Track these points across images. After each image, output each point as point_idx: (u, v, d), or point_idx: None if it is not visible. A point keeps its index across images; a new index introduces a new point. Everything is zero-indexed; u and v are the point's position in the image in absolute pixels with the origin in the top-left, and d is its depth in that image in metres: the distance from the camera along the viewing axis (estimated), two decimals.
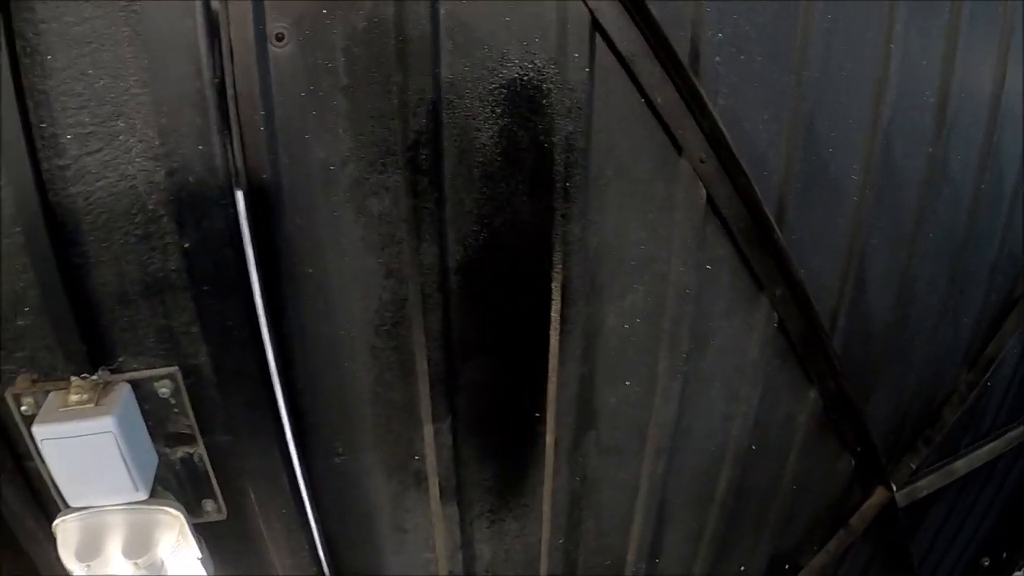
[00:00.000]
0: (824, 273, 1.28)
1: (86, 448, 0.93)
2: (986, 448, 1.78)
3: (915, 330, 1.49)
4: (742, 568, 1.57)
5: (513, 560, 1.33)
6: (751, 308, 1.22)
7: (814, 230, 1.23)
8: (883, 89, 1.22)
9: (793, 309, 1.23)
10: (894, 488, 1.59)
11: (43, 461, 1.03)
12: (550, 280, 1.05)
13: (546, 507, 1.26)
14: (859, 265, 1.31)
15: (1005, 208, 1.53)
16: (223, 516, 1.09)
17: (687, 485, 1.37)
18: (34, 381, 1.02)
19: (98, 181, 0.91)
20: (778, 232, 1.14)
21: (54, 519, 1.10)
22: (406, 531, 1.24)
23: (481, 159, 0.97)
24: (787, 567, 1.62)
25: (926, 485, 1.68)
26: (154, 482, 1.00)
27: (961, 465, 1.74)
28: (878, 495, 1.60)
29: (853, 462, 1.53)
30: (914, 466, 1.63)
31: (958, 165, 1.39)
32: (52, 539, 1.10)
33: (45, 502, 1.12)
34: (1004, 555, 2.28)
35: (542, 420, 1.17)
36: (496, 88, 0.95)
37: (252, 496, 1.08)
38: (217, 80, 0.87)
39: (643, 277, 1.11)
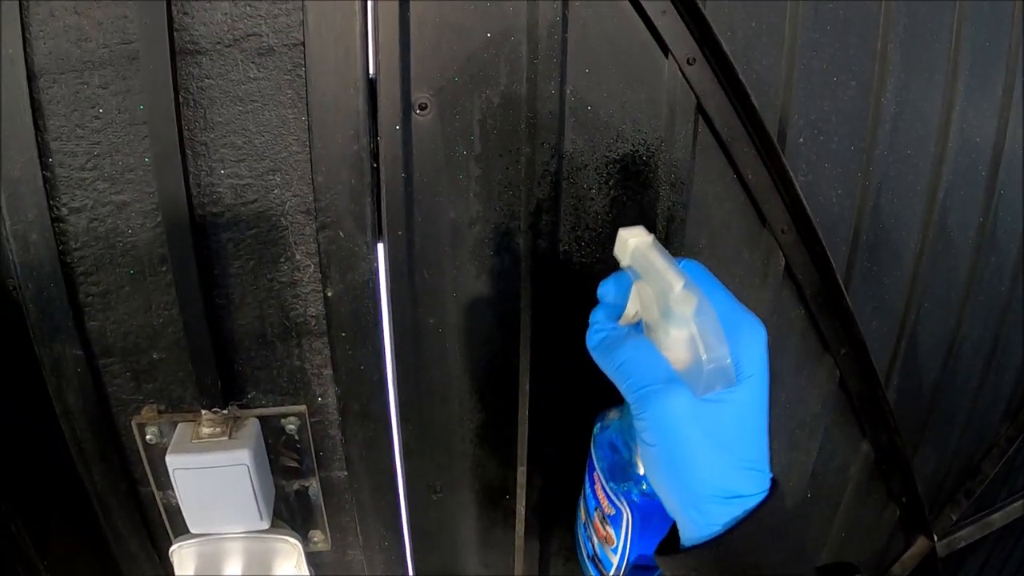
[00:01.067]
0: (882, 334, 1.40)
1: (219, 479, 1.02)
2: (1021, 502, 1.89)
3: (960, 388, 1.61)
4: None
5: None
6: (816, 366, 1.34)
7: (875, 295, 1.35)
8: (941, 165, 1.36)
9: (854, 367, 1.35)
10: (935, 538, 1.69)
11: (160, 488, 1.12)
12: None
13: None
14: (913, 328, 1.43)
15: None
16: (328, 547, 1.17)
17: None
18: (160, 412, 1.11)
19: (250, 230, 1.02)
20: (846, 296, 1.26)
21: (158, 542, 1.19)
22: (489, 565, 1.32)
23: (594, 226, 1.09)
24: None
25: (965, 536, 1.79)
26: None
27: (998, 518, 1.84)
28: (919, 545, 1.70)
29: (898, 512, 1.63)
30: (954, 517, 1.73)
31: (1004, 234, 1.53)
32: (152, 561, 1.18)
33: (152, 526, 1.20)
34: None
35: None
36: (610, 162, 1.07)
37: (357, 528, 1.17)
38: (373, 145, 0.99)
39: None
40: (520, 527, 1.26)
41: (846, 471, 1.51)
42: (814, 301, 1.26)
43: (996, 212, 1.48)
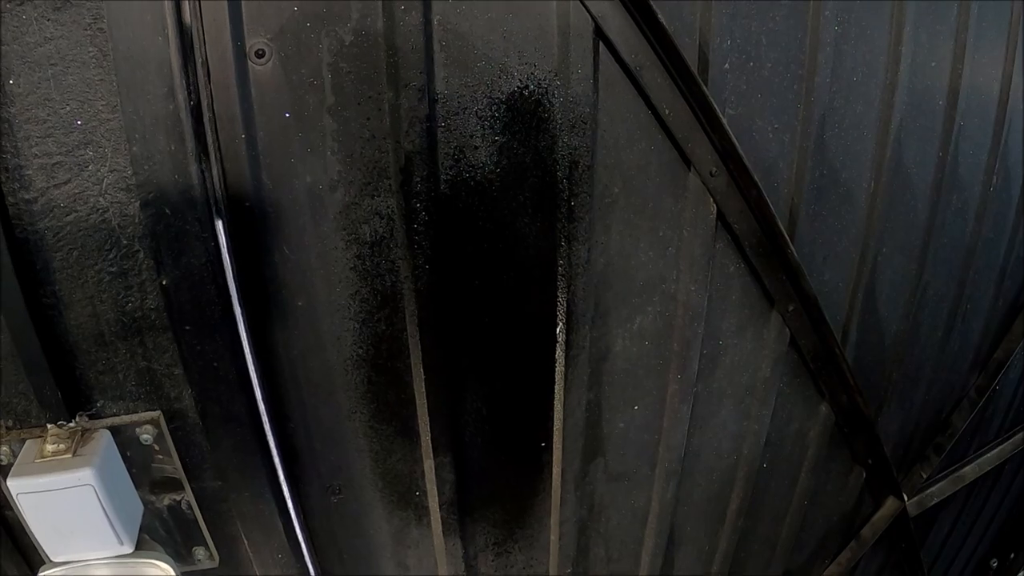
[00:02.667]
0: (836, 286, 1.22)
1: (65, 502, 0.86)
2: (994, 452, 1.74)
3: (925, 339, 1.44)
4: None
5: None
6: (762, 325, 1.16)
7: (826, 242, 1.17)
8: (893, 93, 1.16)
9: (806, 324, 1.18)
10: (905, 498, 1.54)
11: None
12: (555, 304, 0.99)
13: (553, 537, 1.20)
14: (870, 276, 1.25)
15: (1013, 212, 1.48)
16: (215, 564, 1.01)
17: (698, 507, 1.31)
18: (9, 429, 0.94)
19: (67, 215, 0.83)
20: (791, 246, 1.08)
21: (36, 568, 1.03)
22: (408, 568, 1.17)
23: (480, 179, 0.90)
24: None
25: (936, 492, 1.63)
26: (141, 532, 0.93)
27: (970, 471, 1.69)
28: (889, 505, 1.55)
29: (864, 474, 1.47)
30: (925, 475, 1.58)
31: (967, 170, 1.33)
32: None
33: (27, 552, 1.05)
34: (1012, 556, 2.25)
35: (548, 449, 1.10)
36: (495, 103, 0.88)
37: (245, 541, 1.01)
38: (193, 102, 0.79)
39: (651, 298, 1.05)
40: (437, 525, 1.10)
41: (805, 436, 1.34)
42: (754, 253, 1.07)
43: (957, 145, 1.28)
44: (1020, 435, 1.76)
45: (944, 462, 1.61)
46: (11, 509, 1.01)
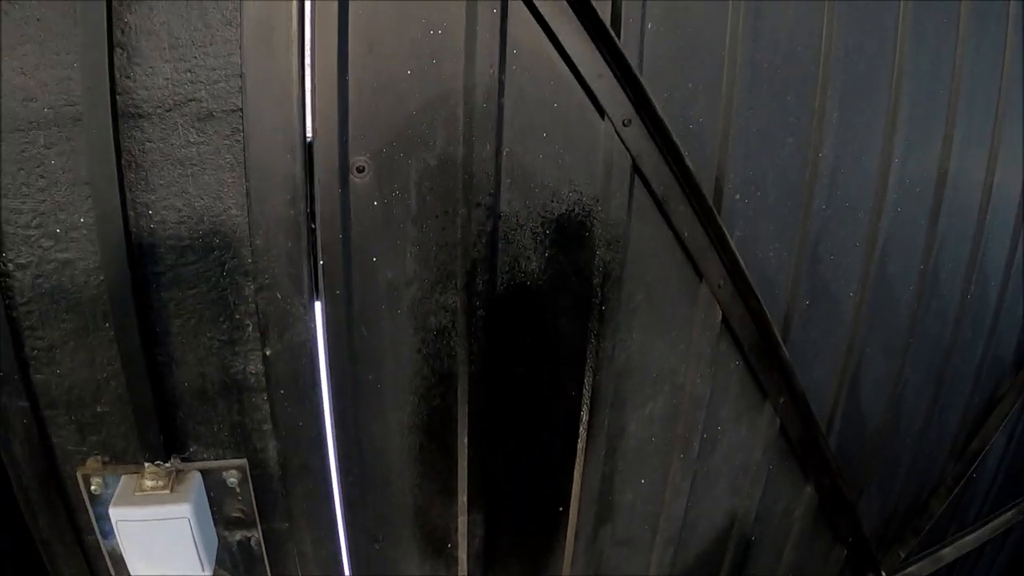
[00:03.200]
0: (822, 382, 1.43)
1: (161, 530, 1.04)
2: (972, 536, 1.92)
3: (905, 430, 1.64)
4: None
5: None
6: (756, 414, 1.37)
7: (815, 344, 1.38)
8: (880, 216, 1.39)
9: (794, 415, 1.38)
10: (884, 571, 1.72)
11: (105, 536, 1.13)
12: (582, 390, 1.19)
13: None
14: (854, 374, 1.46)
15: (990, 316, 1.71)
16: None
17: (692, 574, 1.48)
18: (104, 463, 1.12)
19: (191, 289, 1.03)
20: (783, 347, 1.29)
21: None
22: None
23: (529, 284, 1.11)
24: None
25: (915, 571, 1.81)
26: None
27: (948, 552, 1.87)
28: None
29: (845, 552, 1.66)
30: (903, 554, 1.76)
31: (946, 280, 1.56)
32: None
33: (97, 573, 1.21)
34: None
35: (565, 514, 1.28)
36: (546, 222, 1.10)
37: None
38: (309, 209, 1.00)
39: (663, 388, 1.25)
40: (463, 574, 1.27)
41: (791, 514, 1.53)
42: (752, 352, 1.28)
43: (937, 258, 1.51)
44: (997, 521, 1.95)
45: (922, 543, 1.79)
46: (91, 534, 1.18)
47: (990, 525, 1.95)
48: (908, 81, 1.35)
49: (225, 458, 1.09)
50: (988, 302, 1.67)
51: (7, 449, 1.11)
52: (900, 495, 1.73)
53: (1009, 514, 2.00)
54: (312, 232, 1.02)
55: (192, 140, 1.00)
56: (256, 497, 1.10)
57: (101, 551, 1.18)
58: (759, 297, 1.23)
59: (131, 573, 1.10)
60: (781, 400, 1.35)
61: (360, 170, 1.04)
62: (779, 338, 1.27)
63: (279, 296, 1.01)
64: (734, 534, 1.47)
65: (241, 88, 0.96)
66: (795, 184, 1.26)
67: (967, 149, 1.50)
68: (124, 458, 1.12)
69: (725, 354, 1.28)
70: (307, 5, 0.95)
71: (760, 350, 1.28)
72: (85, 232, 1.02)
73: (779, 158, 1.24)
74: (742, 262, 1.20)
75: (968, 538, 1.90)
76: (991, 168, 1.58)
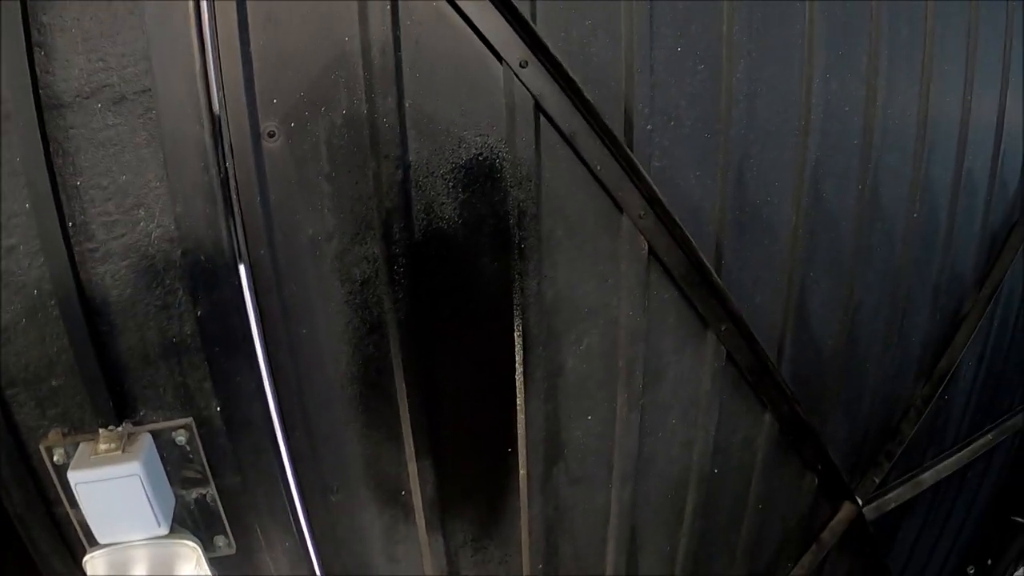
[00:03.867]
0: (766, 307, 1.48)
1: (116, 490, 1.13)
2: (952, 459, 1.95)
3: (864, 353, 1.68)
4: None
5: None
6: (699, 344, 1.43)
7: (753, 269, 1.44)
8: (807, 137, 1.43)
9: (739, 342, 1.43)
10: (860, 502, 1.76)
11: (73, 505, 1.23)
12: (512, 329, 1.26)
13: (524, 535, 1.45)
14: (799, 297, 1.51)
15: (942, 234, 1.74)
16: (233, 551, 1.28)
17: (655, 509, 1.55)
18: (64, 434, 1.22)
19: (123, 261, 1.12)
20: (715, 274, 1.35)
21: (79, 558, 1.30)
22: (398, 561, 1.42)
23: (446, 228, 1.18)
24: None
25: (894, 498, 1.85)
26: (172, 522, 1.20)
27: (928, 476, 1.91)
28: (846, 510, 1.77)
29: (816, 480, 1.71)
30: (878, 480, 1.80)
31: (888, 200, 1.60)
32: None
33: (71, 543, 1.31)
34: (989, 562, 2.42)
35: (514, 454, 1.36)
36: (456, 167, 1.17)
37: (258, 532, 1.27)
38: (222, 174, 1.09)
39: (596, 322, 1.32)
40: (420, 522, 1.35)
41: (752, 443, 1.59)
42: (684, 281, 1.35)
43: (876, 178, 1.56)
44: (978, 443, 1.97)
45: (898, 468, 1.84)
46: (61, 505, 1.28)
47: (970, 448, 1.98)
48: (822, 2, 1.39)
49: (172, 419, 1.18)
50: (937, 221, 1.70)
51: None
52: (868, 420, 1.77)
53: (990, 435, 2.02)
54: (229, 197, 1.11)
55: (110, 123, 1.09)
56: (206, 454, 1.20)
57: (72, 521, 1.27)
58: (682, 226, 1.28)
59: (97, 540, 1.20)
60: (723, 328, 1.41)
61: (271, 135, 1.12)
62: (710, 266, 1.33)
63: (203, 258, 1.10)
64: (694, 467, 1.53)
65: (148, 70, 1.05)
66: (710, 111, 1.32)
67: (896, 65, 1.53)
68: (82, 428, 1.22)
69: (657, 285, 1.34)
70: None
71: (693, 279, 1.34)
72: (24, 219, 1.11)
73: (690, 86, 1.30)
74: (659, 192, 1.26)
75: (947, 462, 1.93)
76: (925, 84, 1.61)
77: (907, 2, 1.52)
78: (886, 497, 1.82)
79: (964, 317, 1.81)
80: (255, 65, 1.09)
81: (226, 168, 1.10)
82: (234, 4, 1.06)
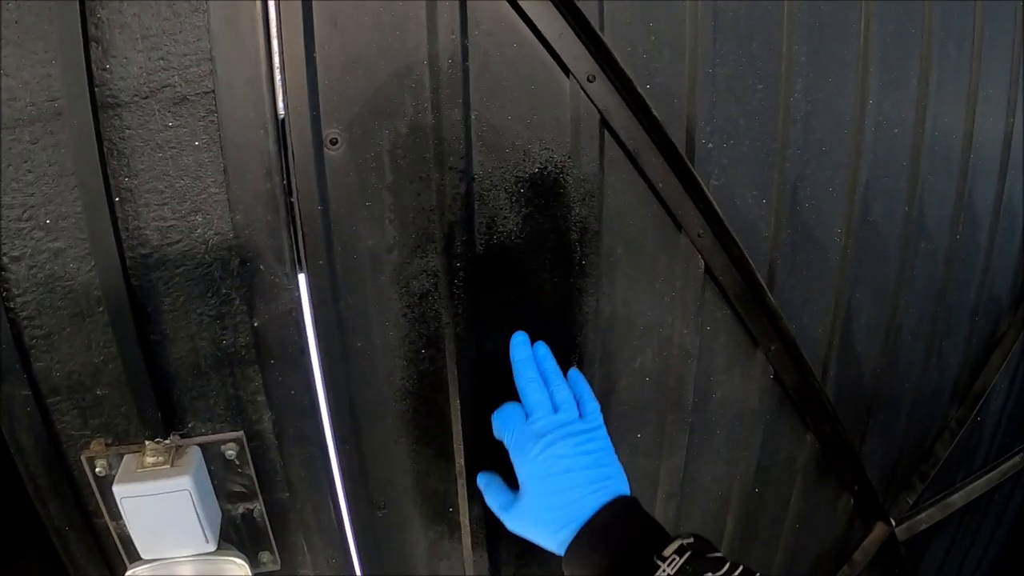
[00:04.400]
0: (813, 327, 1.48)
1: (163, 505, 1.11)
2: (981, 480, 1.96)
3: (903, 374, 1.69)
4: None
5: None
6: (748, 363, 1.42)
7: (802, 289, 1.43)
8: (859, 158, 1.44)
9: (787, 362, 1.43)
10: (893, 523, 1.77)
11: (114, 518, 1.21)
12: (569, 346, 1.25)
13: None
14: (845, 318, 1.51)
15: (982, 255, 1.75)
16: (277, 567, 1.25)
17: (698, 528, 1.54)
18: (108, 445, 1.20)
19: (177, 268, 1.10)
20: (769, 294, 1.34)
21: (117, 572, 1.27)
22: None
23: (508, 243, 1.17)
24: None
25: (925, 519, 1.86)
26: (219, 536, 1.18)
27: (958, 498, 1.92)
28: (878, 531, 1.78)
29: (852, 500, 1.71)
30: (911, 501, 1.81)
31: (933, 222, 1.61)
32: None
33: (110, 557, 1.29)
34: None
35: None
36: (520, 181, 1.16)
37: (304, 548, 1.25)
38: (285, 182, 1.07)
39: (651, 341, 1.31)
40: (467, 538, 1.33)
41: (793, 464, 1.59)
42: (738, 300, 1.34)
43: (922, 199, 1.56)
44: (1006, 464, 1.99)
45: (930, 490, 1.84)
46: (100, 517, 1.26)
47: (999, 469, 1.99)
48: (877, 21, 1.40)
49: (223, 432, 1.15)
50: (978, 242, 1.71)
51: (14, 439, 1.19)
52: (903, 440, 1.77)
53: (1018, 457, 2.04)
54: (291, 205, 1.09)
55: (169, 124, 1.06)
56: (255, 468, 1.17)
57: (111, 534, 1.25)
58: (740, 244, 1.28)
59: (140, 554, 1.18)
60: (772, 347, 1.40)
61: (333, 142, 1.10)
62: (764, 285, 1.32)
63: (262, 268, 1.08)
64: (736, 486, 1.53)
65: (211, 71, 1.03)
66: (768, 130, 1.31)
67: (944, 87, 1.54)
68: (126, 439, 1.19)
69: (711, 304, 1.33)
70: None
71: (746, 298, 1.34)
72: (74, 221, 1.08)
73: (749, 105, 1.29)
74: (719, 210, 1.25)
75: (976, 483, 1.94)
76: (971, 107, 1.62)
77: (957, 24, 1.53)
78: (917, 518, 1.83)
79: (1000, 339, 1.83)
80: (320, 70, 1.06)
81: (289, 176, 1.09)
82: (300, 5, 1.04)
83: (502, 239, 1.17)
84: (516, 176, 1.16)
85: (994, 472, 1.99)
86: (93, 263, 1.09)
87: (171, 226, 1.09)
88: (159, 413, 1.14)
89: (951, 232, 1.64)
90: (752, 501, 1.57)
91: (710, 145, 1.26)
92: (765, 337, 1.39)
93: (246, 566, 1.15)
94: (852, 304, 1.51)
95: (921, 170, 1.54)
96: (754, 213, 1.33)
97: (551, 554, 1.45)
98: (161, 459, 1.13)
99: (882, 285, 1.56)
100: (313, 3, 1.04)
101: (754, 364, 1.42)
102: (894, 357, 1.64)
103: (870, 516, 1.76)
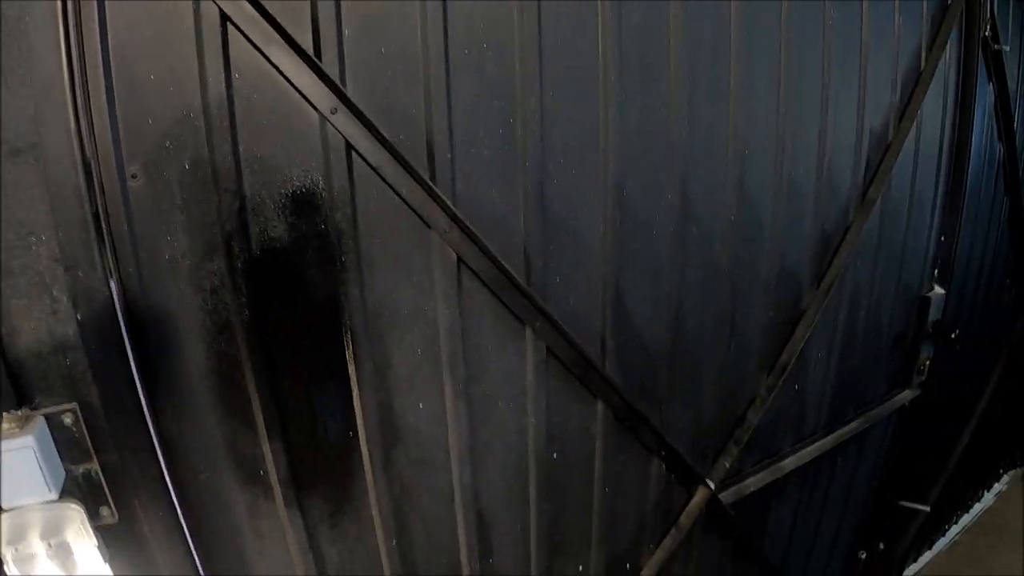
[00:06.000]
0: (582, 307, 2.03)
1: (14, 460, 1.69)
2: (813, 446, 2.43)
3: (695, 345, 2.21)
4: (581, 568, 2.23)
5: (358, 561, 2.04)
6: (519, 340, 1.97)
7: (564, 273, 1.98)
8: (607, 156, 1.98)
9: (555, 337, 1.97)
10: (713, 486, 2.25)
11: None
12: (342, 329, 1.81)
13: (374, 512, 1.99)
14: (615, 298, 2.05)
15: (767, 235, 2.25)
16: (115, 520, 1.83)
17: (499, 491, 2.09)
18: None
19: (21, 277, 1.70)
20: (521, 278, 1.89)
21: None
22: (263, 535, 1.96)
23: (278, 246, 1.75)
24: (628, 566, 2.28)
25: (754, 483, 2.34)
26: (63, 491, 1.75)
27: (789, 462, 2.39)
28: (700, 494, 2.28)
29: (664, 465, 2.21)
30: (728, 464, 2.29)
31: (702, 207, 2.12)
32: None
33: None
34: (881, 546, 2.86)
35: (356, 438, 1.89)
36: (284, 197, 1.73)
37: (137, 504, 1.82)
38: (94, 209, 1.67)
39: (416, 323, 1.88)
40: (279, 499, 1.90)
41: (588, 430, 2.12)
42: (493, 284, 1.90)
43: (685, 186, 2.08)
44: (842, 430, 2.45)
45: (754, 455, 2.32)
46: None
47: (833, 435, 2.45)
48: (612, 37, 1.95)
49: (60, 404, 1.74)
50: (759, 223, 2.22)
51: None
52: (711, 409, 2.27)
53: (854, 423, 2.48)
54: (100, 227, 1.68)
55: (9, 168, 1.68)
56: (89, 434, 1.76)
57: None
58: (482, 238, 1.83)
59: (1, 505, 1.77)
60: (537, 324, 1.94)
61: (134, 176, 1.70)
62: (513, 271, 1.87)
63: (80, 275, 1.67)
64: (531, 452, 2.06)
65: (36, 129, 1.64)
66: (507, 139, 1.87)
67: (696, 86, 2.07)
68: None
69: (469, 288, 1.90)
70: (76, 66, 1.62)
71: (501, 282, 1.90)
72: None
73: (487, 119, 1.86)
74: (459, 211, 1.81)
75: (809, 448, 2.40)
76: (736, 103, 2.14)
77: (708, 34, 2.07)
78: (745, 482, 2.30)
79: (803, 312, 2.31)
80: (120, 122, 1.68)
81: (99, 204, 1.68)
82: (102, 73, 1.65)
83: (273, 244, 1.75)
84: (281, 193, 1.74)
85: (828, 438, 2.45)
86: None
87: (15, 246, 1.70)
88: (13, 392, 1.73)
89: (724, 215, 2.15)
90: (551, 465, 2.09)
91: (449, 156, 1.83)
92: (528, 316, 1.94)
93: (82, 511, 1.73)
94: (621, 285, 2.05)
95: (681, 161, 2.06)
96: (502, 209, 1.90)
97: (360, 512, 1.99)
98: (14, 426, 1.72)
99: (652, 266, 2.08)
100: (113, 71, 1.64)
101: (525, 340, 1.96)
102: (681, 330, 2.17)
103: (689, 480, 2.26)
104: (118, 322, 1.75)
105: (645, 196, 2.05)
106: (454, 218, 1.85)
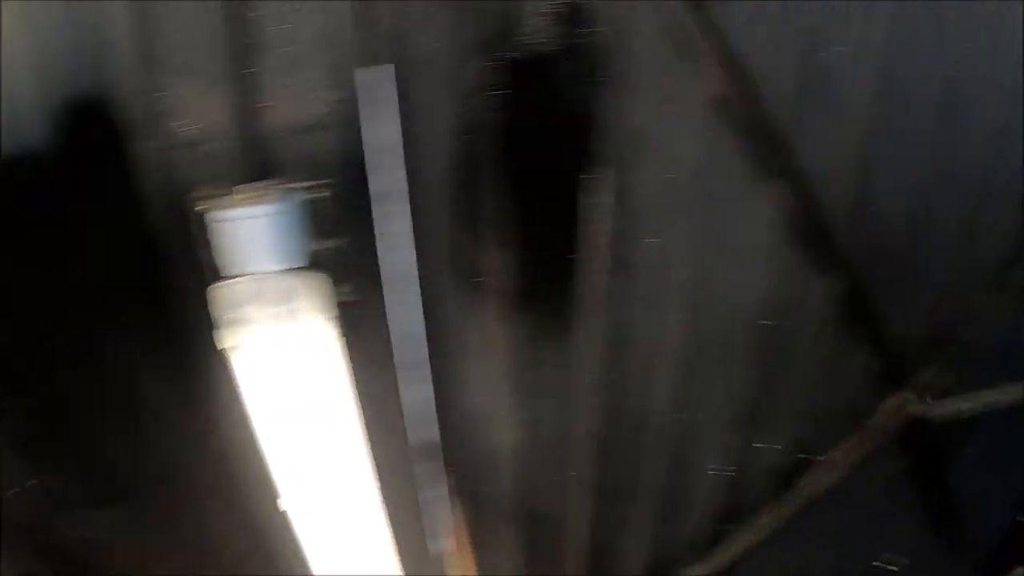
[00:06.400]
0: (832, 177, 1.99)
1: (256, 227, 1.84)
2: None
3: (936, 245, 2.14)
4: (765, 444, 2.30)
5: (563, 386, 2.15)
6: (761, 195, 1.97)
7: (820, 136, 1.95)
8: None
9: (800, 201, 1.96)
10: (909, 396, 2.23)
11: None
12: (587, 147, 1.87)
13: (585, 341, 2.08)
14: (864, 175, 2.01)
15: None
16: (356, 298, 1.97)
17: (711, 344, 2.14)
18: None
19: None
20: (778, 128, 1.88)
21: None
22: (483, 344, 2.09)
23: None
24: (809, 455, 2.33)
25: (953, 408, 2.28)
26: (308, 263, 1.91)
27: (997, 396, 2.29)
28: (894, 400, 2.25)
29: (867, 360, 2.20)
30: (931, 378, 2.24)
31: (976, 99, 2.04)
32: None
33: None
34: None
35: (582, 260, 1.98)
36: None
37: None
38: None
39: (663, 156, 1.90)
40: (497, 308, 2.01)
41: (805, 303, 2.13)
42: (749, 133, 1.89)
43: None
44: None
45: (965, 378, 2.26)
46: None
47: None
48: None
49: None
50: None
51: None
52: (930, 316, 2.24)
53: None
54: None
55: None
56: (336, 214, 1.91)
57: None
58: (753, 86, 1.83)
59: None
60: (783, 183, 1.94)
61: None
62: (772, 121, 1.87)
63: None
64: (749, 315, 2.10)
65: None
66: None
67: None
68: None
69: (722, 133, 1.90)
70: None
71: (758, 132, 1.89)
72: None
73: None
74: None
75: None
76: None
77: None
78: (943, 402, 2.26)
79: None
80: None
81: None
82: None
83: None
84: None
85: None
86: None
87: None
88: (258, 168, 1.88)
89: (995, 115, 2.07)
90: (762, 332, 2.17)
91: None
92: (778, 171, 1.94)
93: (327, 282, 1.88)
94: (874, 164, 2.02)
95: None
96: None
97: (577, 339, 2.08)
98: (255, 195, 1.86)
99: (911, 153, 2.05)
100: None
101: (764, 197, 1.98)
102: (922, 228, 2.14)
103: (891, 383, 2.25)
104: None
105: (913, 71, 1.97)
106: (723, 48, 1.84)
